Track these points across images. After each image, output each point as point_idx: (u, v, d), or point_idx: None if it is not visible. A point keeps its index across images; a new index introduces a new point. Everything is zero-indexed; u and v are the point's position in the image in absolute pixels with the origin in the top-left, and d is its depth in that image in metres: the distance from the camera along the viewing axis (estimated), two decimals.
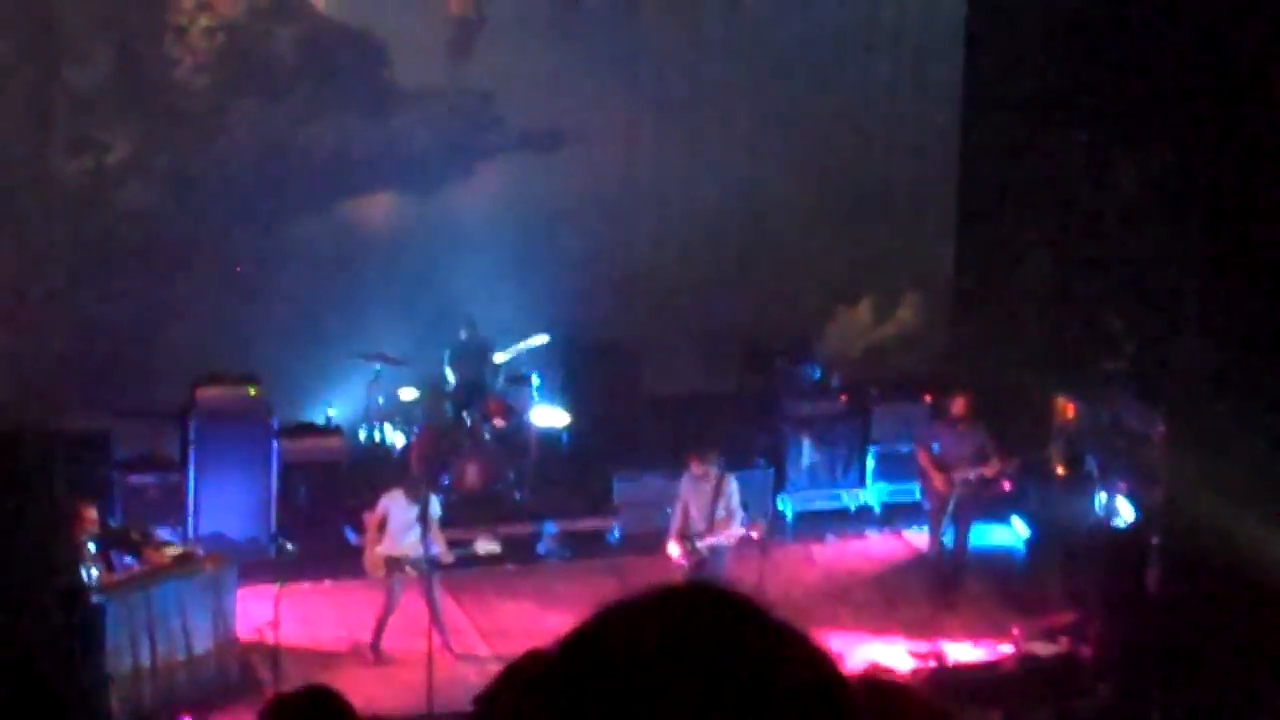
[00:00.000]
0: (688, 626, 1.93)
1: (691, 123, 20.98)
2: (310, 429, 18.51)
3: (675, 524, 15.95)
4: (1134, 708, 14.39)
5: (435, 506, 15.56)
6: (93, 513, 14.76)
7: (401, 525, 15.35)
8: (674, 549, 15.81)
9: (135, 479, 17.20)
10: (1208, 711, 14.14)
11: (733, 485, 15.99)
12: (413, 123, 20.24)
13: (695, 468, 15.91)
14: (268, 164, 19.69)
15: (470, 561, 16.34)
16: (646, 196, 20.87)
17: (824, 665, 1.97)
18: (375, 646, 15.63)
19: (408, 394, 18.97)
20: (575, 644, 1.96)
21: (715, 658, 1.90)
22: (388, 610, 15.55)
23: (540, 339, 19.42)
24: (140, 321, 19.11)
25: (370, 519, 15.56)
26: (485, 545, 15.95)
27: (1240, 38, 16.02)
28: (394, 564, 15.39)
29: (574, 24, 20.49)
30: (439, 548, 15.35)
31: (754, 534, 15.80)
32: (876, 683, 3.63)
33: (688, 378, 20.12)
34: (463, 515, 17.45)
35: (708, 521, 15.76)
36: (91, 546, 14.49)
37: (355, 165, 20.03)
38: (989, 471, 17.11)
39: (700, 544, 15.73)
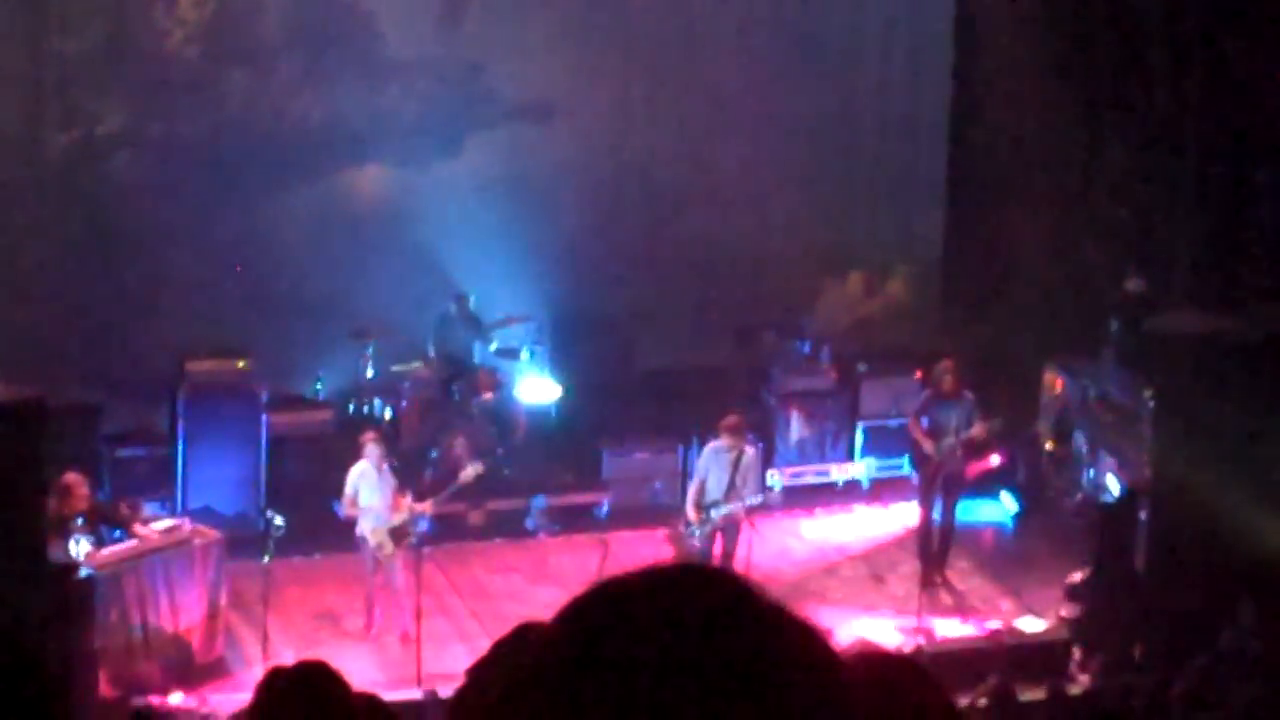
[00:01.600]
0: (683, 602, 1.93)
1: (682, 95, 20.95)
2: (299, 402, 18.50)
3: (692, 493, 16.06)
4: (1121, 684, 14.40)
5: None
6: (83, 486, 14.75)
7: (378, 495, 15.35)
8: (692, 514, 15.89)
9: (124, 452, 17.19)
10: (1194, 685, 14.16)
11: (751, 457, 16.07)
12: (403, 94, 20.21)
13: (726, 438, 15.95)
14: (258, 135, 19.66)
15: (459, 531, 16.37)
16: (637, 169, 20.85)
17: (818, 643, 1.97)
18: (368, 625, 15.65)
19: (397, 367, 18.94)
20: (569, 620, 1.96)
21: (711, 634, 1.90)
22: (371, 586, 15.57)
23: (524, 317, 19.37)
24: (129, 294, 19.08)
25: (346, 501, 15.52)
26: (472, 469, 16.01)
27: (1230, 8, 16.02)
28: (397, 534, 15.39)
29: None
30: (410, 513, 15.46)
31: (760, 501, 15.99)
32: (876, 655, 3.62)
33: (677, 352, 20.10)
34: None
35: (724, 492, 15.82)
36: (80, 520, 14.49)
37: (345, 137, 20.00)
38: (976, 433, 17.10)
39: (715, 513, 15.79)
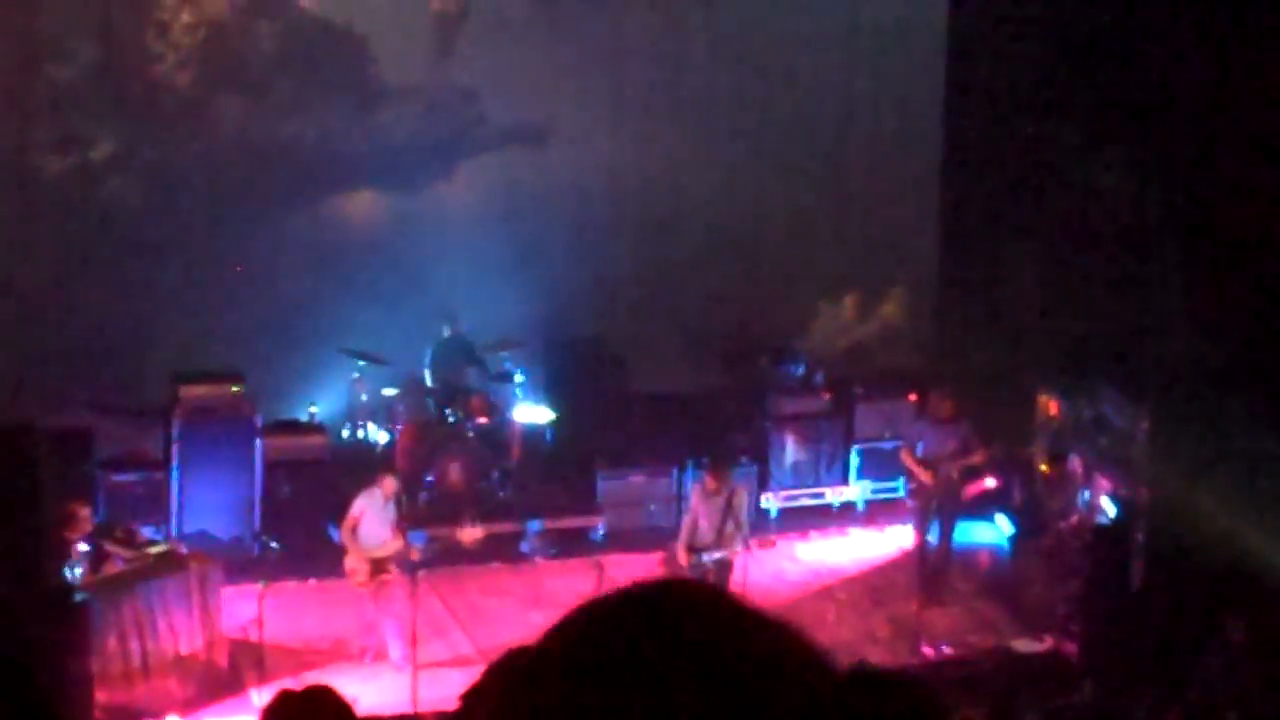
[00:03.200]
0: (669, 619, 1.91)
1: (674, 120, 20.97)
2: (293, 427, 18.47)
3: (684, 535, 15.88)
4: (1119, 704, 14.39)
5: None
6: (86, 512, 14.75)
7: (378, 526, 15.33)
8: (682, 558, 15.76)
9: (118, 477, 17.16)
10: (1192, 707, 14.16)
11: (744, 499, 15.96)
12: (395, 119, 20.23)
13: (710, 483, 15.87)
14: (250, 160, 19.66)
15: (454, 556, 16.36)
16: (629, 193, 20.87)
17: (808, 657, 1.96)
18: (372, 649, 15.60)
19: (391, 392, 18.93)
20: (555, 640, 1.95)
21: (698, 650, 1.88)
22: (381, 614, 15.50)
23: (517, 341, 19.39)
24: (123, 319, 19.07)
25: (345, 523, 15.49)
26: (469, 532, 15.97)
27: (1224, 28, 16.05)
28: (378, 566, 15.38)
29: (556, 20, 20.48)
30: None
31: (759, 549, 15.80)
32: (871, 671, 3.61)
33: (672, 375, 20.10)
34: (447, 513, 17.43)
35: (716, 535, 15.72)
36: (84, 546, 14.47)
37: (338, 162, 20.02)
38: (975, 459, 17.13)
39: (706, 558, 15.67)
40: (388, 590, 15.41)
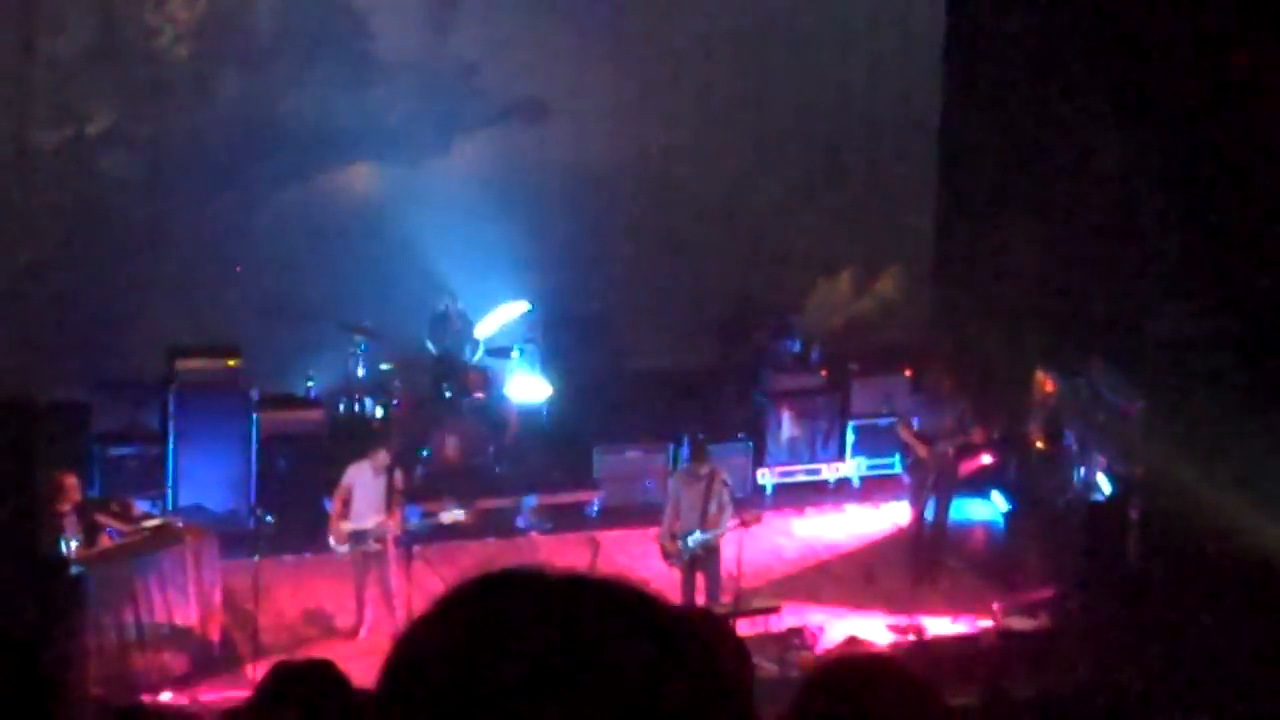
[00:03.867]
0: (499, 616, 1.91)
1: (673, 95, 20.93)
2: (290, 401, 18.48)
3: (666, 522, 15.84)
4: (1113, 682, 14.42)
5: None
6: (74, 483, 14.74)
7: (367, 499, 15.37)
8: (669, 546, 15.73)
9: (114, 451, 17.18)
10: (1186, 686, 14.18)
11: (724, 480, 15.94)
12: (394, 94, 20.18)
13: (695, 466, 15.84)
14: (248, 135, 19.63)
15: (449, 531, 16.39)
16: (628, 169, 20.82)
17: (667, 630, 1.92)
18: (358, 625, 15.62)
19: (387, 366, 18.93)
20: (394, 653, 1.96)
21: (532, 641, 1.87)
22: (359, 586, 15.55)
23: (520, 306, 19.44)
24: (120, 292, 19.05)
25: (336, 493, 15.55)
26: (450, 514, 15.98)
27: (1222, 12, 16.04)
28: (358, 538, 15.39)
29: None
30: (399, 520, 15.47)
31: (747, 524, 15.76)
32: (856, 656, 3.64)
33: (668, 351, 20.10)
34: (442, 488, 17.45)
35: (700, 518, 15.68)
36: (72, 518, 14.47)
37: (336, 136, 19.96)
38: (973, 438, 17.17)
39: (692, 541, 15.65)
40: (368, 563, 15.42)
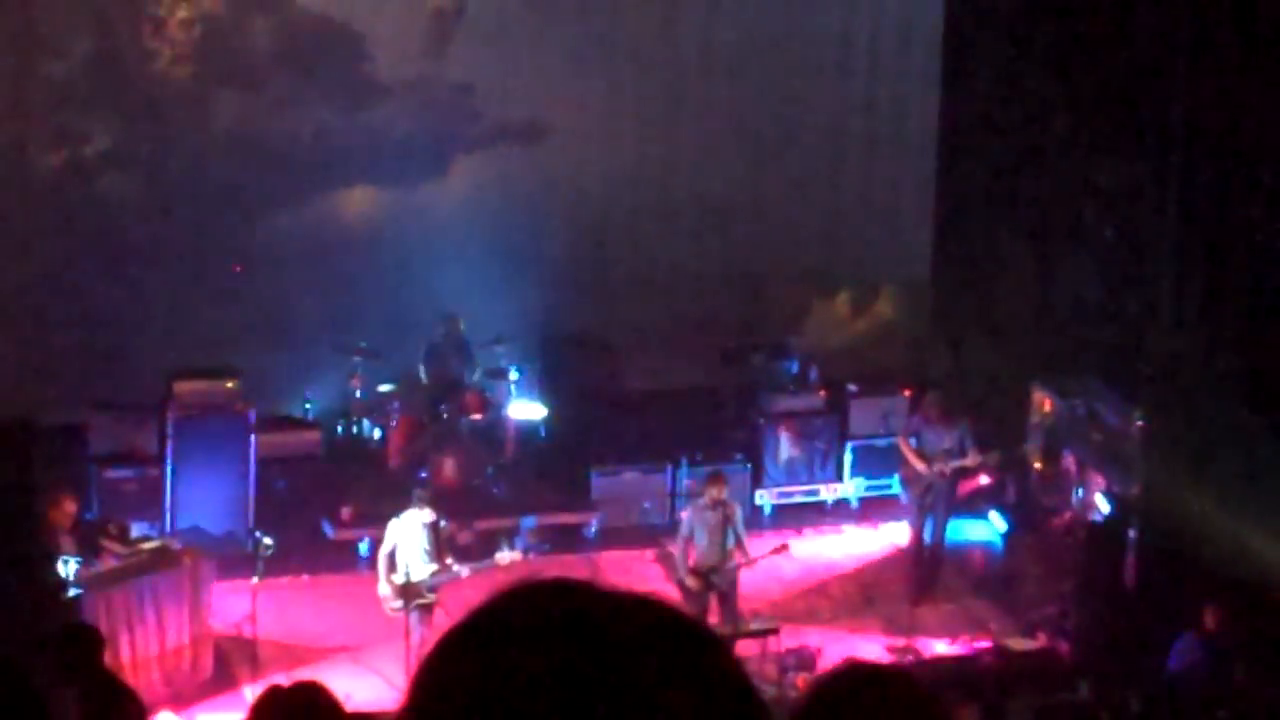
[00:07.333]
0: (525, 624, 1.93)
1: (670, 116, 20.95)
2: (288, 422, 18.47)
3: (684, 557, 15.58)
4: (1113, 702, 14.40)
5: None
6: (72, 505, 14.73)
7: (415, 552, 14.98)
8: (692, 583, 15.47)
9: (112, 473, 17.16)
10: (1186, 705, 14.16)
11: (737, 508, 15.86)
12: (391, 115, 20.19)
13: (714, 492, 15.59)
14: (246, 156, 19.64)
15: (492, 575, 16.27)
16: (625, 190, 20.83)
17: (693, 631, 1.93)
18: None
19: (386, 387, 18.93)
20: (423, 673, 1.96)
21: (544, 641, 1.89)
22: (414, 640, 14.74)
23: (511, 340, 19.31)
24: (117, 314, 19.05)
25: (381, 551, 15.19)
26: (507, 554, 15.50)
27: (1219, 25, 16.06)
28: (412, 592, 14.92)
29: (553, 16, 20.46)
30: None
31: (774, 555, 15.73)
32: (860, 665, 3.62)
33: (666, 372, 20.08)
34: (440, 510, 17.39)
35: (720, 551, 15.52)
36: (71, 540, 14.47)
37: (333, 158, 19.98)
38: (969, 463, 17.17)
39: (716, 578, 15.49)
40: (423, 616, 14.89)
